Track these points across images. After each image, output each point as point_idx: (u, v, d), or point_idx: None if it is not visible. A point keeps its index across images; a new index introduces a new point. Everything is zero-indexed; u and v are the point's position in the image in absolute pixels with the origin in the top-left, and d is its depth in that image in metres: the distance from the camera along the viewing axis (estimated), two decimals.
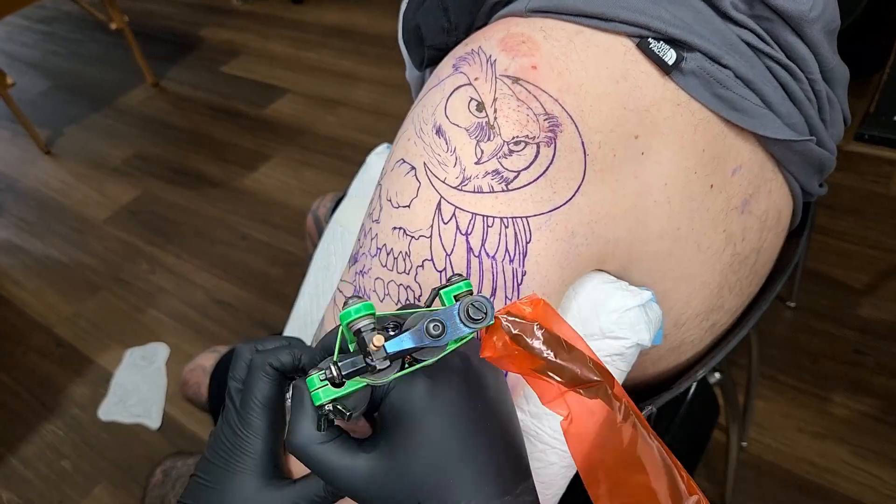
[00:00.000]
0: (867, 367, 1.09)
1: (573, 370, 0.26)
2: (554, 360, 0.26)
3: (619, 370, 0.39)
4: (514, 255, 0.32)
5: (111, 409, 1.26)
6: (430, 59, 0.43)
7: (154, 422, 1.23)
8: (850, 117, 0.46)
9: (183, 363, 1.26)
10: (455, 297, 0.26)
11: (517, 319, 0.26)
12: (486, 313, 0.24)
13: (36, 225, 1.75)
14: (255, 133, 1.97)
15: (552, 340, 0.26)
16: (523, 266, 0.32)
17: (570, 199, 0.32)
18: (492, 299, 0.32)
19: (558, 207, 0.32)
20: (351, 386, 0.26)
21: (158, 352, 1.36)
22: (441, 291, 0.26)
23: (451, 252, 0.32)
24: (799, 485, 0.98)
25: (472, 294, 0.26)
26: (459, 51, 0.35)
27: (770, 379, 1.11)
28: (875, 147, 1.29)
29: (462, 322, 0.24)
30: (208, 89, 2.22)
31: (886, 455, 0.99)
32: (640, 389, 0.52)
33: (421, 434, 0.26)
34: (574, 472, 0.46)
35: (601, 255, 0.35)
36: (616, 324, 0.37)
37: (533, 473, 0.44)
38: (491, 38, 0.34)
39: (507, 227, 0.32)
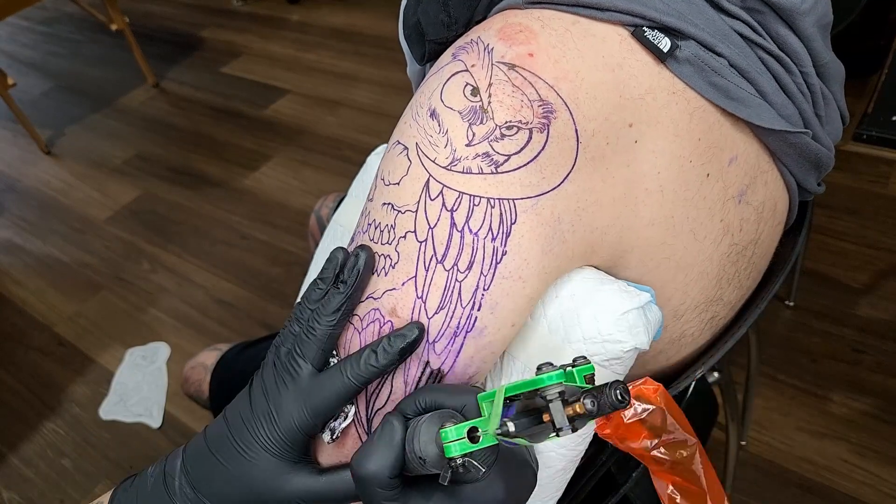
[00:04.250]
0: (866, 365, 1.10)
1: (675, 458, 0.32)
2: (659, 445, 0.32)
3: (615, 374, 0.39)
4: (498, 234, 0.32)
5: (112, 408, 1.27)
6: (430, 53, 0.44)
7: (155, 421, 1.23)
8: (848, 116, 0.46)
9: (184, 362, 1.27)
10: (585, 377, 0.28)
11: (641, 404, 0.31)
12: (627, 399, 0.26)
13: (37, 225, 1.76)
14: (255, 133, 1.98)
15: (663, 427, 0.32)
16: (505, 245, 0.32)
17: (559, 185, 0.33)
18: (467, 273, 0.33)
19: (546, 193, 0.33)
20: (485, 443, 0.27)
21: (159, 351, 1.36)
22: (574, 370, 0.27)
23: (435, 225, 0.32)
24: (798, 483, 0.98)
25: (593, 376, 0.28)
26: (459, 42, 0.36)
27: (769, 378, 1.11)
28: (873, 147, 1.30)
29: (609, 403, 0.25)
30: (209, 90, 2.22)
31: (885, 453, 0.99)
32: None
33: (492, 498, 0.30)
34: (571, 474, 0.46)
35: (588, 244, 0.36)
36: (615, 326, 0.37)
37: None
38: (489, 29, 0.34)
39: (493, 206, 0.32)
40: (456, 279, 0.33)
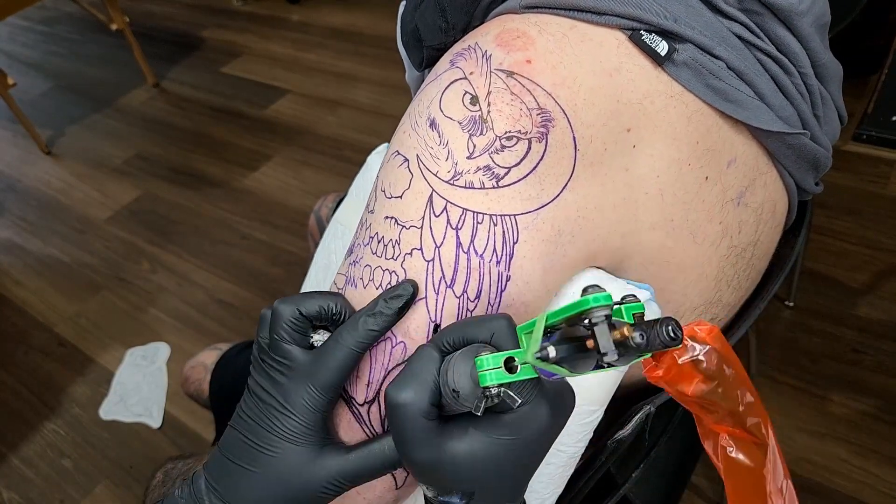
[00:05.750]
0: (866, 366, 1.10)
1: (731, 407, 0.28)
2: (715, 391, 0.28)
3: (616, 371, 0.39)
4: (501, 256, 0.32)
5: (112, 409, 1.27)
6: (429, 59, 0.44)
7: (155, 421, 1.23)
8: (846, 116, 0.46)
9: (184, 362, 1.26)
10: (633, 315, 0.25)
11: (696, 345, 0.27)
12: (680, 336, 0.24)
13: (37, 225, 1.76)
14: (255, 133, 1.97)
15: (720, 373, 0.28)
16: (509, 269, 0.33)
17: (558, 195, 0.33)
18: (476, 302, 0.33)
19: (545, 205, 0.33)
20: (523, 374, 0.25)
21: (159, 351, 1.36)
22: (622, 307, 0.25)
23: (441, 244, 0.32)
24: (798, 483, 0.98)
25: (643, 315, 0.25)
26: (457, 47, 0.36)
27: (769, 378, 1.11)
28: (873, 147, 1.30)
29: (660, 340, 0.23)
30: (209, 90, 2.22)
31: (885, 453, 0.99)
32: (640, 388, 0.52)
33: (530, 433, 0.28)
34: (571, 471, 0.46)
35: (590, 252, 0.36)
36: None
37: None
38: (487, 35, 0.34)
39: (495, 224, 0.32)
40: (467, 307, 0.33)
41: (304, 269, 0.71)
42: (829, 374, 1.10)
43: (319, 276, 0.66)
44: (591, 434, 0.44)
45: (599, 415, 0.43)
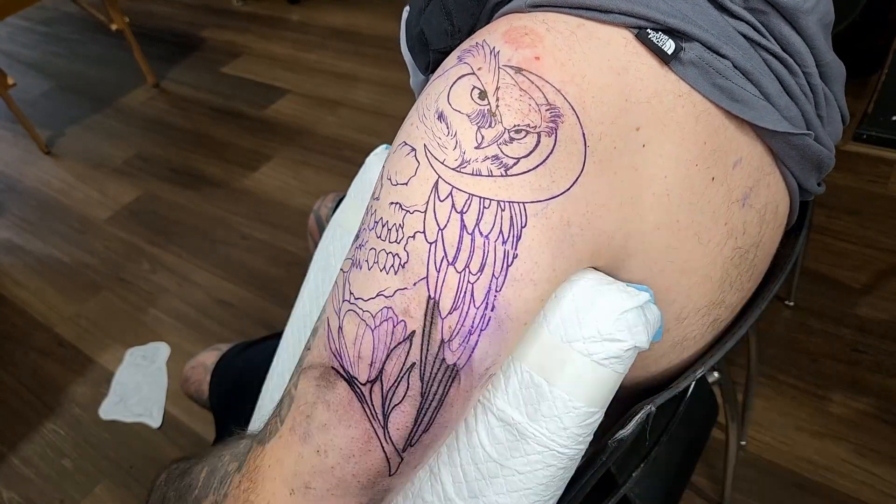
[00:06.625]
0: (866, 365, 1.10)
1: None
2: None
3: (616, 373, 0.39)
4: (508, 237, 0.32)
5: (112, 409, 1.27)
6: (435, 62, 0.44)
7: (155, 421, 1.23)
8: (848, 116, 0.46)
9: (184, 362, 1.27)
10: None
11: None
12: None
13: (37, 225, 1.76)
14: (255, 133, 1.98)
15: None
16: (515, 249, 0.32)
17: (568, 189, 0.33)
18: (479, 275, 0.32)
19: (556, 196, 0.32)
20: None
21: (159, 351, 1.36)
22: None
23: (445, 227, 0.32)
24: (798, 483, 0.98)
25: None
26: (465, 45, 0.36)
27: (769, 378, 1.11)
28: (873, 147, 1.30)
29: None
30: (209, 90, 2.22)
31: (885, 453, 0.99)
32: (641, 388, 0.52)
33: None
34: (571, 473, 0.46)
35: (596, 247, 0.35)
36: (614, 326, 0.37)
37: (531, 475, 0.44)
38: (494, 32, 0.34)
39: (503, 210, 0.32)
40: (468, 280, 0.32)
41: (303, 269, 0.71)
42: (829, 373, 1.10)
43: (318, 278, 0.66)
44: (591, 436, 0.44)
45: (599, 416, 0.42)
